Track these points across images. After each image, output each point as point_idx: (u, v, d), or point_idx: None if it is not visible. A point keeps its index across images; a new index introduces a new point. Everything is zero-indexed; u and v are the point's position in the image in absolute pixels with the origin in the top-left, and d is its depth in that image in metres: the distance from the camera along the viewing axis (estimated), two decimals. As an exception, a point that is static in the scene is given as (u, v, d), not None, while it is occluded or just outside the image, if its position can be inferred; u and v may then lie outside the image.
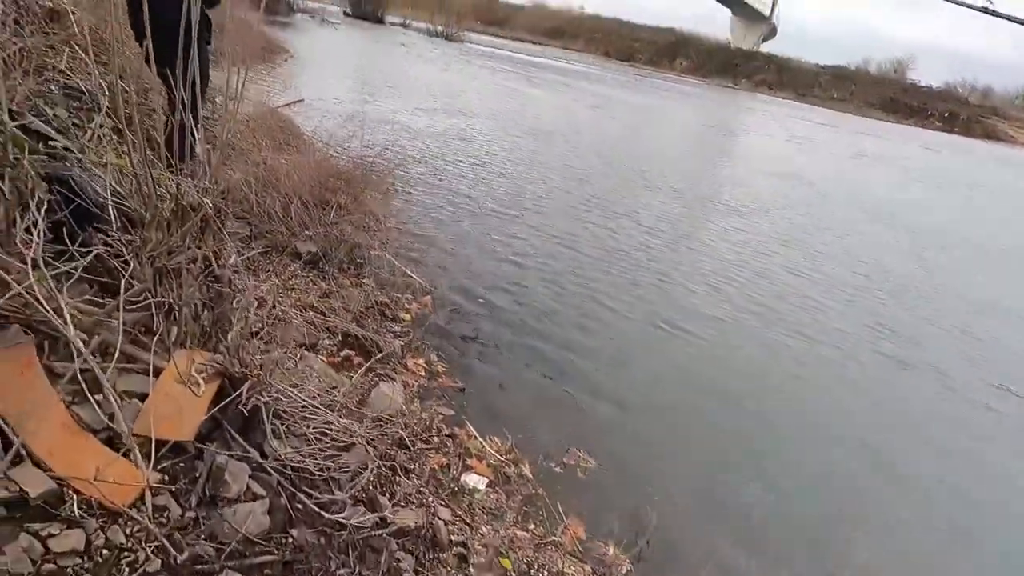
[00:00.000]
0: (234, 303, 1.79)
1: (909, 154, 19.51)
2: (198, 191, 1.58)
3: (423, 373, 2.64)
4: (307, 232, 3.49)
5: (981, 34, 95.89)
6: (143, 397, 1.40)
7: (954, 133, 42.17)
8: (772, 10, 64.23)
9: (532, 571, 1.82)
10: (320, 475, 1.63)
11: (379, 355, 2.57)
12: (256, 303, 2.65)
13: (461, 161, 6.58)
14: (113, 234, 1.58)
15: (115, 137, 2.42)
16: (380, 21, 35.45)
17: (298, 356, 2.23)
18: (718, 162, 10.46)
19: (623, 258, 4.54)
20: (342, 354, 2.63)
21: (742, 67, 54.89)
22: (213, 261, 1.73)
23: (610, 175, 7.39)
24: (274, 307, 2.65)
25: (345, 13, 34.51)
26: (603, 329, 3.42)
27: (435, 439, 2.22)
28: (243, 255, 2.94)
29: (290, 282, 3.11)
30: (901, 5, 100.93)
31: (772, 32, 67.63)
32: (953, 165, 18.77)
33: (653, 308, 3.76)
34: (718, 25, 66.63)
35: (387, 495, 1.83)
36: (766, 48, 62.93)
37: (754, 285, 4.52)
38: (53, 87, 2.83)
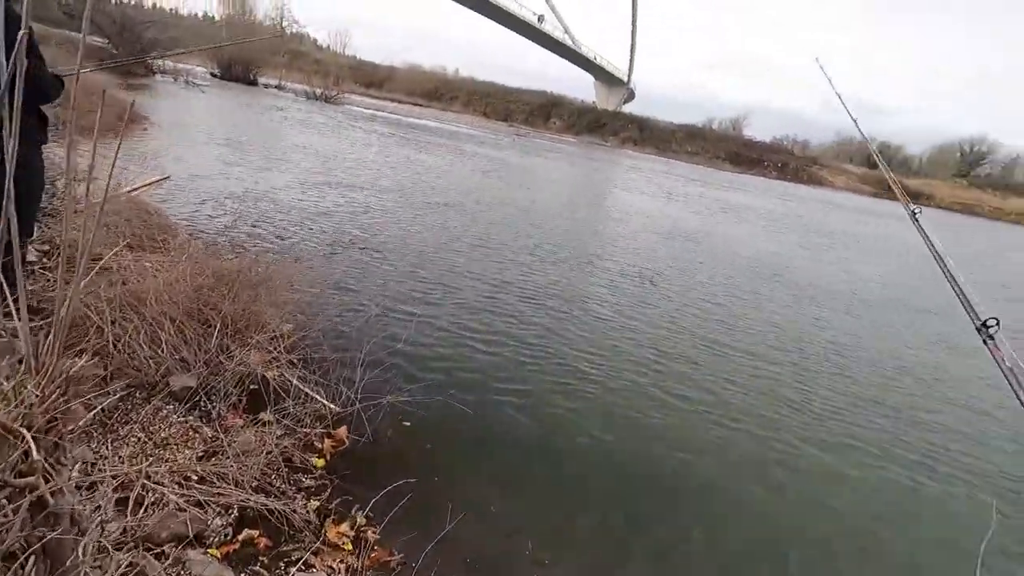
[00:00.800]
0: (81, 553, 1.23)
1: (767, 205, 22.02)
2: (13, 414, 1.06)
3: (349, 547, 2.12)
4: (184, 360, 2.85)
5: (798, 97, 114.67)
6: None
7: (787, 180, 48.92)
8: (629, 76, 71.75)
9: None
10: None
11: (290, 534, 2.03)
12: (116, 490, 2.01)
13: (365, 246, 6.09)
14: None
15: None
16: (252, 83, 34.03)
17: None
18: (615, 225, 10.84)
19: (548, 354, 4.28)
20: (241, 536, 2.04)
21: (609, 126, 59.94)
22: (46, 495, 1.18)
23: (519, 251, 7.25)
24: (144, 488, 2.02)
25: (213, 74, 32.70)
26: (548, 454, 3.10)
27: (379, 655, 1.72)
28: (95, 407, 2.28)
29: (162, 434, 2.46)
30: (737, 74, 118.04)
31: (631, 95, 75.29)
32: (804, 214, 21.40)
33: (592, 422, 3.51)
34: (584, 88, 72.94)
35: None
36: (627, 109, 69.72)
37: (700, 382, 4.47)
38: None
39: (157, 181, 7.15)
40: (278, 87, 36.75)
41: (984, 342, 1.22)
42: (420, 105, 61.86)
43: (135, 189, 6.12)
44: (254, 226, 6.02)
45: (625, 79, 71.51)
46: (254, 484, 2.27)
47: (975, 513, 3.18)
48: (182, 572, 1.77)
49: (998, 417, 4.63)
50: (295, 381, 2.99)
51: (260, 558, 1.97)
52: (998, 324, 1.21)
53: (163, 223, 4.88)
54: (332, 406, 2.93)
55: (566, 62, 67.64)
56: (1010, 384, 1.09)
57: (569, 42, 62.64)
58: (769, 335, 5.67)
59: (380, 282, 5.02)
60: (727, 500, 2.97)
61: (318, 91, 33.46)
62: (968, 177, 57.97)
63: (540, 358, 4.11)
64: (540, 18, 59.21)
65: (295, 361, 3.12)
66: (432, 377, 3.45)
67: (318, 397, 2.95)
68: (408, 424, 2.96)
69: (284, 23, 46.57)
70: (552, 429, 3.25)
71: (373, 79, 71.07)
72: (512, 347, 4.20)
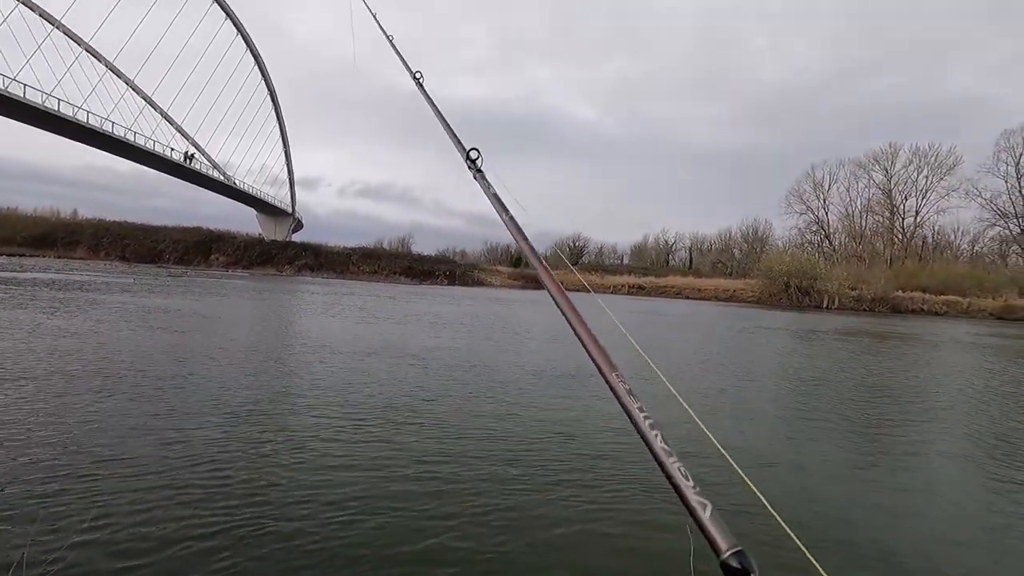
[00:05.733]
0: None
1: (455, 309, 24.43)
2: None
3: None
4: None
5: (447, 217, 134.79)
6: None
7: (457, 285, 55.82)
8: (293, 207, 72.45)
9: None
10: None
11: None
12: None
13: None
14: None
15: None
16: None
17: None
18: (327, 356, 10.21)
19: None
20: None
21: (281, 255, 58.53)
22: None
23: (202, 424, 6.21)
24: None
25: None
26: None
27: None
28: None
29: None
30: (394, 199, 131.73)
31: (299, 224, 75.85)
32: (484, 313, 24.44)
33: None
34: (247, 221, 70.08)
35: None
36: (298, 238, 69.68)
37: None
38: None
39: None
40: None
41: (475, 177, 1.41)
42: (22, 255, 49.03)
43: None
44: None
45: (289, 210, 71.89)
46: None
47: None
48: None
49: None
50: None
51: None
52: (480, 155, 1.42)
53: None
54: None
55: (221, 197, 64.17)
56: (496, 207, 1.31)
57: (221, 178, 60.02)
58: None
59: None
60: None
61: None
62: (578, 264, 76.95)
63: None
64: (189, 157, 55.40)
65: None
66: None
67: None
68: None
69: None
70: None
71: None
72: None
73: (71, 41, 42.36)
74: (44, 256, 50.85)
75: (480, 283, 59.03)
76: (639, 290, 59.10)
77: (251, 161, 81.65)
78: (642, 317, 26.06)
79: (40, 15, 39.98)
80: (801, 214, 74.86)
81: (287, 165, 70.17)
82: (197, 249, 57.13)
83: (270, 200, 67.78)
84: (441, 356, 10.42)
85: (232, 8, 53.17)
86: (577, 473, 4.70)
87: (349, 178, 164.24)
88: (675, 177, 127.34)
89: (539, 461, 4.94)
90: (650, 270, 73.38)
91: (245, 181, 63.18)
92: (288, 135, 68.17)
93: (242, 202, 66.56)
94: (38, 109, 38.10)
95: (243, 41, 56.79)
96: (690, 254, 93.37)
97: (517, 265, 77.79)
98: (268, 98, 63.23)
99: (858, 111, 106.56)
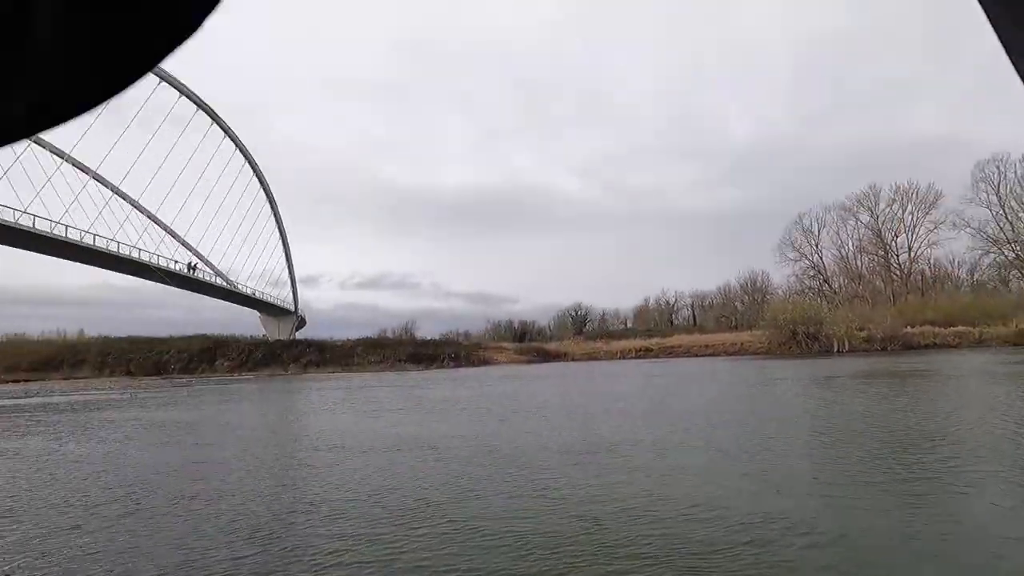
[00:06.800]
0: None
1: (462, 393, 24.08)
2: None
3: None
4: None
5: (447, 299, 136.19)
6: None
7: (462, 366, 55.25)
8: (296, 305, 73.16)
9: None
10: None
11: None
12: None
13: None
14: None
15: None
16: None
17: None
18: (339, 456, 10.00)
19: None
20: None
21: (286, 355, 58.29)
22: None
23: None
24: None
25: None
26: None
27: None
28: None
29: None
30: (397, 288, 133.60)
31: (302, 322, 76.20)
32: (494, 392, 24.08)
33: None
34: (250, 323, 70.45)
35: None
36: (301, 335, 69.80)
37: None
38: None
39: None
40: None
41: None
42: (27, 381, 48.86)
43: None
44: None
45: (292, 308, 72.54)
46: None
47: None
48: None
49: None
50: None
51: None
52: None
53: None
54: None
55: (223, 302, 64.96)
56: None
57: (224, 284, 61.10)
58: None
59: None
60: None
61: None
62: (583, 333, 76.74)
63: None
64: (192, 267, 56.65)
65: None
66: None
67: None
68: None
69: None
70: None
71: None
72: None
73: (79, 171, 44.60)
74: (50, 379, 50.65)
75: (486, 362, 58.50)
76: (647, 352, 58.59)
77: (253, 264, 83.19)
78: (662, 380, 25.63)
79: (51, 151, 42.36)
80: (796, 261, 75.69)
81: (288, 265, 71.59)
82: (202, 356, 57.01)
83: (273, 301, 68.55)
84: (459, 445, 10.13)
85: (228, 123, 56.29)
86: (603, 565, 4.45)
87: (350, 271, 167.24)
88: (668, 238, 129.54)
89: (568, 549, 4.69)
90: (655, 331, 73.06)
91: (248, 285, 64.20)
92: (288, 236, 70.08)
93: (245, 306, 67.34)
94: (47, 237, 39.45)
95: (240, 153, 59.75)
96: (693, 311, 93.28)
97: (522, 340, 77.58)
98: (267, 204, 65.60)
99: (832, 155, 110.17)
